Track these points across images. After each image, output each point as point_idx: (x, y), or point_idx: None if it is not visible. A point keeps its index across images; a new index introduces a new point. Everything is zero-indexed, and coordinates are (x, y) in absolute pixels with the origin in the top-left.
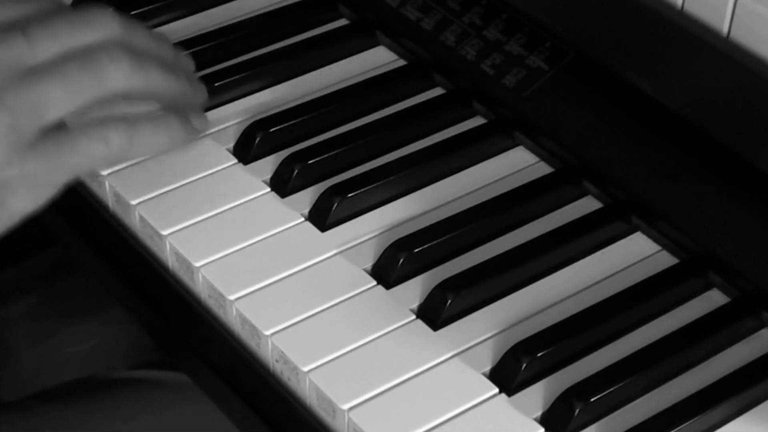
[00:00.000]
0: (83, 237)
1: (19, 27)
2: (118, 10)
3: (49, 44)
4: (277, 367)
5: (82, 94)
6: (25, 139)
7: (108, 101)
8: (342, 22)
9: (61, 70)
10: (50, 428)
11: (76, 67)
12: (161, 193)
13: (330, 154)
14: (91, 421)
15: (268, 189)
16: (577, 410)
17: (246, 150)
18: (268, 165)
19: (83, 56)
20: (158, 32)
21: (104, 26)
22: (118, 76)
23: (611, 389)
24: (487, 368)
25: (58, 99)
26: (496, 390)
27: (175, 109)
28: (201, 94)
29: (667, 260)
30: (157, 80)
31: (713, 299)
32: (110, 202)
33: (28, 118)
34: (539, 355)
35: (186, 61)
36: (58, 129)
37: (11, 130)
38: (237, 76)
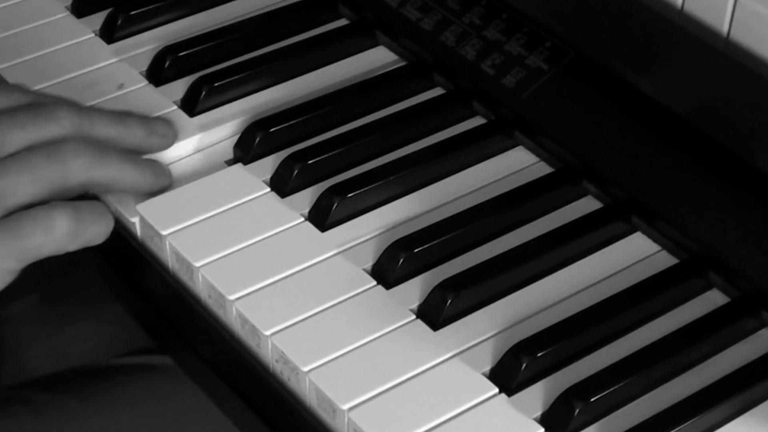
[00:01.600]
0: None
1: None
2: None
3: (15, 136)
4: (277, 367)
5: (45, 185)
6: None
7: (70, 192)
8: (342, 22)
9: (27, 161)
10: (50, 416)
11: (41, 158)
12: (161, 193)
13: (330, 154)
14: (92, 410)
15: (268, 189)
16: (577, 410)
17: (246, 150)
18: (268, 165)
19: (48, 149)
20: (122, 111)
21: (67, 118)
22: (80, 168)
23: (611, 389)
24: (487, 368)
25: (21, 188)
26: (496, 390)
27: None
28: (164, 179)
29: (667, 260)
30: (115, 171)
31: (713, 299)
32: (110, 202)
33: None
34: (539, 355)
35: (161, 126)
36: (13, 215)
37: None
38: (237, 76)
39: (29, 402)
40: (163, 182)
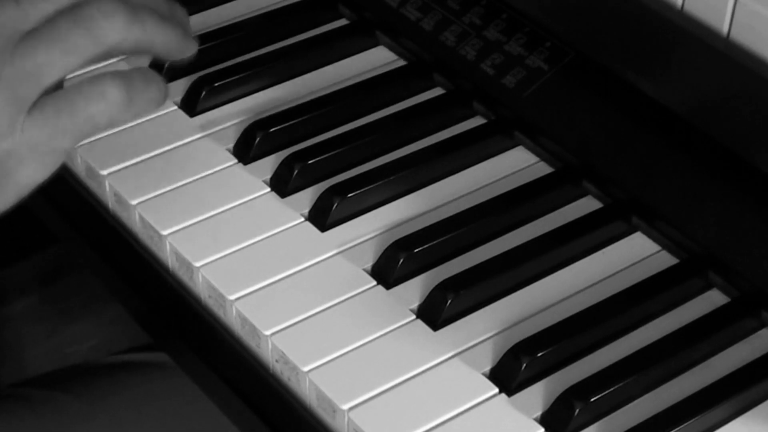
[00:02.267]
0: (83, 237)
1: None
2: None
3: (40, 6)
4: (277, 367)
5: (79, 54)
6: (25, 107)
7: (105, 56)
8: (342, 22)
9: (55, 32)
10: (50, 414)
11: (69, 26)
12: (161, 193)
13: (330, 154)
14: (90, 408)
15: (268, 189)
16: (577, 410)
17: (246, 150)
18: (268, 165)
19: (75, 14)
20: None
21: None
22: (113, 30)
23: (611, 389)
24: (487, 368)
25: (56, 62)
26: (496, 390)
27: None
28: (192, 46)
29: (667, 260)
30: (152, 31)
31: (713, 299)
32: (110, 202)
33: (27, 86)
34: (539, 355)
35: (180, 10)
36: (56, 92)
37: (11, 101)
38: (237, 76)
39: (28, 399)
40: (194, 46)
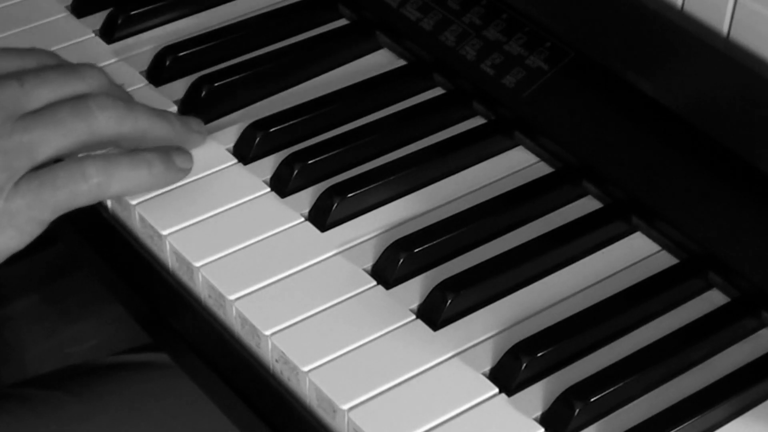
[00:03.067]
0: (83, 237)
1: (16, 76)
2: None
3: (42, 91)
4: (277, 367)
5: (73, 137)
6: (15, 177)
7: (100, 146)
8: (342, 22)
9: (54, 115)
10: (50, 414)
11: (67, 112)
12: (161, 193)
13: (330, 154)
14: (90, 408)
15: (268, 189)
16: (577, 410)
17: (246, 150)
18: (268, 165)
19: (74, 103)
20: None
21: (93, 77)
22: (107, 120)
23: (611, 389)
24: (487, 368)
25: (50, 141)
26: (496, 390)
27: (166, 149)
28: (197, 129)
29: (667, 260)
30: (144, 123)
31: (713, 299)
32: (110, 202)
33: (20, 159)
34: (539, 355)
35: (196, 121)
36: (44, 168)
37: (4, 170)
38: (237, 76)
39: (28, 399)
40: (196, 139)
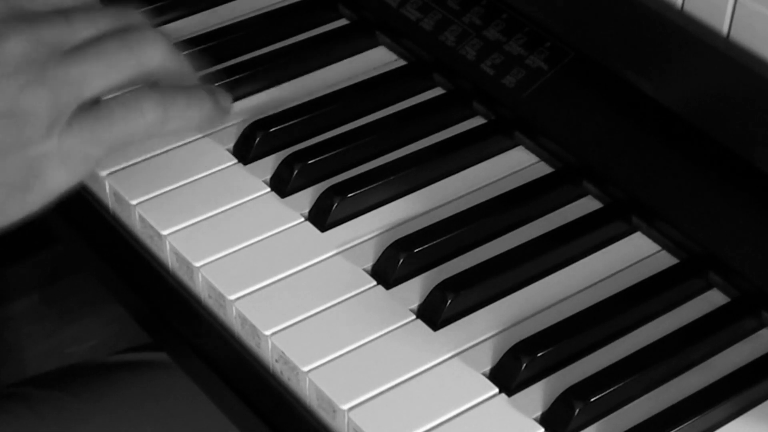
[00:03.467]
0: (83, 237)
1: (62, 13)
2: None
3: (88, 27)
4: (277, 367)
5: (121, 71)
6: (64, 114)
7: (144, 80)
8: (342, 22)
9: (101, 48)
10: (50, 413)
11: (114, 44)
12: (161, 193)
13: (330, 154)
14: (89, 407)
15: (268, 189)
16: (577, 410)
17: (246, 150)
18: (268, 165)
19: (122, 36)
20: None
21: (140, 20)
22: (155, 54)
23: (611, 389)
24: (487, 368)
25: (98, 75)
26: (496, 390)
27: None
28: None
29: (667, 260)
30: (189, 65)
31: (713, 299)
32: (110, 202)
33: (68, 93)
34: (539, 355)
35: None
36: (95, 103)
37: (52, 106)
38: (237, 76)
39: (28, 399)
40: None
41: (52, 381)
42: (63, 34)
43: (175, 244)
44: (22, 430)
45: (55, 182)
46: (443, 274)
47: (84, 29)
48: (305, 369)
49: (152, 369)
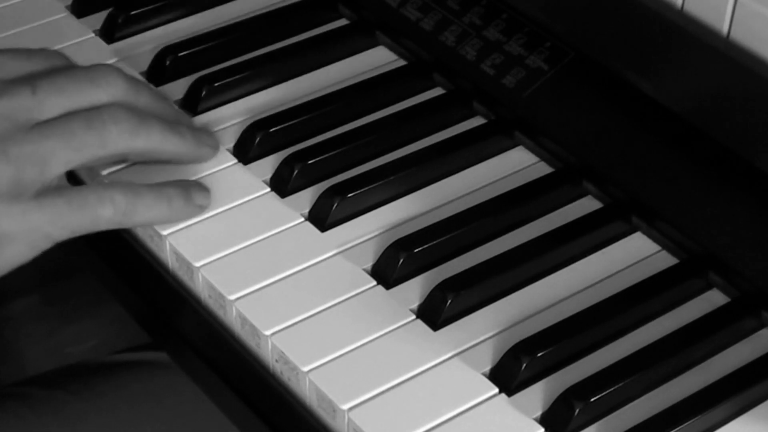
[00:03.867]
0: (83, 237)
1: (28, 82)
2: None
3: (55, 100)
4: (277, 367)
5: (85, 152)
6: (27, 191)
7: (112, 160)
8: (342, 22)
9: (66, 127)
10: (50, 412)
11: (80, 125)
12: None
13: (330, 154)
14: (89, 406)
15: (268, 189)
16: (577, 410)
17: (246, 150)
18: (268, 165)
19: (87, 115)
20: (159, 91)
21: (109, 85)
22: (120, 136)
23: (611, 389)
24: (487, 368)
25: (61, 155)
26: (496, 390)
27: (181, 163)
28: (208, 153)
29: (667, 260)
30: (158, 140)
31: (713, 299)
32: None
33: (31, 171)
34: (539, 355)
35: (186, 118)
36: (65, 186)
37: (13, 182)
38: (237, 76)
39: (27, 398)
40: (207, 153)
41: (52, 380)
42: (30, 108)
43: (175, 244)
44: (22, 430)
45: (11, 257)
46: (443, 274)
47: (51, 102)
48: (305, 369)
49: (152, 369)
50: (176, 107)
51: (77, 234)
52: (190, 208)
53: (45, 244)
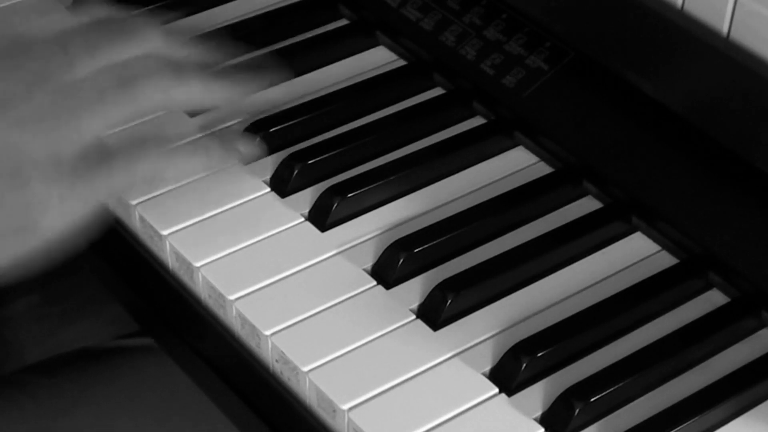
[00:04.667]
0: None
1: (60, 40)
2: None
3: (87, 60)
4: (277, 367)
5: (119, 112)
6: (64, 158)
7: (150, 113)
8: (342, 22)
9: (98, 89)
10: (48, 400)
11: (112, 85)
12: (161, 193)
13: (330, 154)
14: (88, 395)
15: (268, 189)
16: (577, 410)
17: None
18: (268, 165)
19: (120, 74)
20: (197, 38)
21: (144, 40)
22: (155, 89)
23: (611, 389)
24: (487, 368)
25: (96, 116)
26: (496, 390)
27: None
28: (251, 90)
29: (667, 260)
30: (197, 92)
31: (713, 299)
32: (110, 202)
33: (67, 138)
34: (539, 355)
35: (222, 59)
36: (97, 149)
37: (51, 151)
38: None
39: (26, 385)
40: (251, 101)
41: (50, 368)
42: (62, 68)
43: (175, 244)
44: (20, 416)
45: (50, 226)
46: (443, 274)
47: (83, 63)
48: (305, 369)
49: (149, 355)
50: (215, 53)
51: (116, 196)
52: (228, 155)
53: (81, 212)
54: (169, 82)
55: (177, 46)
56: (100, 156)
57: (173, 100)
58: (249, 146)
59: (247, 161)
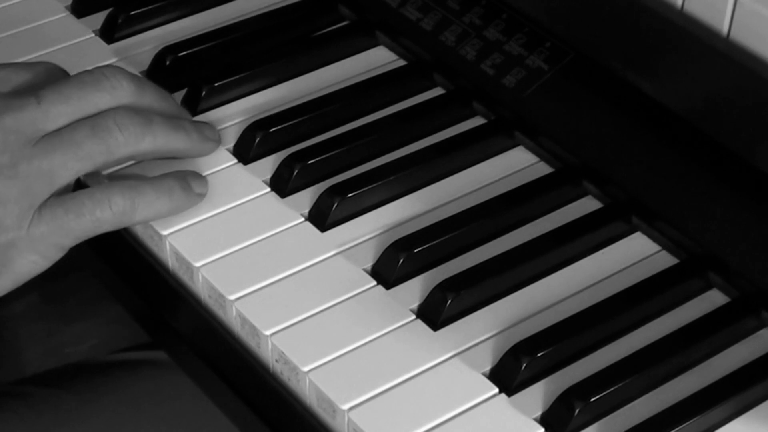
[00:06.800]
0: None
1: (32, 93)
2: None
3: (61, 108)
4: (277, 367)
5: (92, 161)
6: (36, 203)
7: (120, 162)
8: (342, 22)
9: (72, 139)
10: (50, 411)
11: (86, 134)
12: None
13: (330, 154)
14: (89, 406)
15: (268, 189)
16: (577, 410)
17: (246, 150)
18: (268, 165)
19: (93, 124)
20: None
21: (114, 88)
22: (126, 142)
23: (611, 389)
24: (487, 368)
25: (69, 166)
26: (496, 390)
27: (185, 158)
28: (210, 146)
29: (667, 260)
30: (163, 140)
31: (713, 299)
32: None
33: (40, 184)
34: (539, 355)
35: (187, 113)
36: (66, 194)
37: (24, 196)
38: (237, 76)
39: (27, 397)
40: (211, 147)
41: (52, 379)
42: (36, 120)
43: (175, 244)
44: (22, 428)
45: (24, 268)
46: (443, 274)
47: (57, 111)
48: (305, 369)
49: (152, 368)
50: (177, 103)
51: (84, 239)
52: (191, 198)
53: (56, 253)
54: (139, 134)
55: (144, 93)
56: (69, 199)
57: (141, 151)
58: (202, 185)
59: (201, 198)
